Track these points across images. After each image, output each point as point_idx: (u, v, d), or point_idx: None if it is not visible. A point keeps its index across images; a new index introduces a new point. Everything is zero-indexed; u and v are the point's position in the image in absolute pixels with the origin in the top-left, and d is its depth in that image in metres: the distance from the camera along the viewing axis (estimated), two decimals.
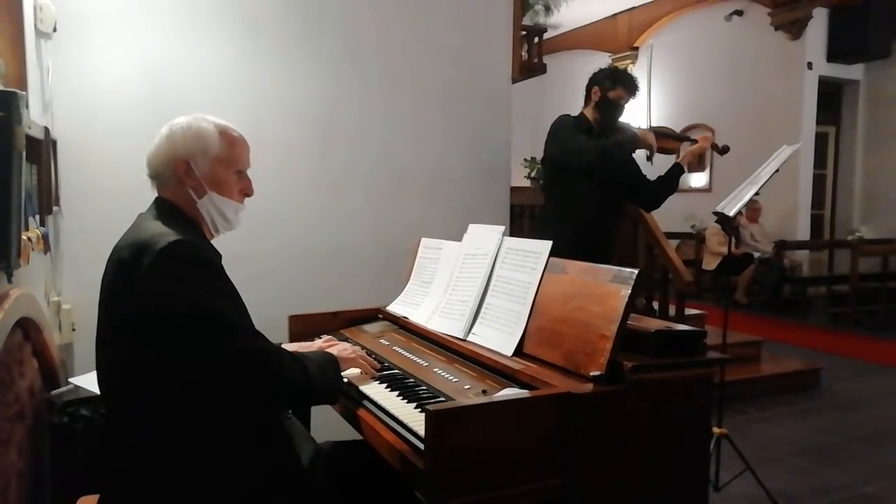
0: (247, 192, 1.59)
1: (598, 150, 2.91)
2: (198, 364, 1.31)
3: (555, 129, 3.07)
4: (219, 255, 1.47)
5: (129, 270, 1.31)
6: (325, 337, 1.99)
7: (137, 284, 1.30)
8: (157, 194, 1.53)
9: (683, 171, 3.12)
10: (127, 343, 1.35)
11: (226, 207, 1.53)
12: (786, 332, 6.65)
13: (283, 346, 1.87)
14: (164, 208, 1.49)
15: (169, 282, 1.30)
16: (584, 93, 3.13)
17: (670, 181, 3.14)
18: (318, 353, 1.59)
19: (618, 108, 3.05)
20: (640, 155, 3.13)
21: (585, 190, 2.99)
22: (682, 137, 3.17)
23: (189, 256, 1.34)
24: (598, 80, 3.07)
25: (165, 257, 1.30)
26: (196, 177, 1.48)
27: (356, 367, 1.69)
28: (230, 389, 1.33)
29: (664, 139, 3.12)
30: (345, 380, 1.65)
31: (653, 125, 3.21)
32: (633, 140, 3.00)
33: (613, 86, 3.01)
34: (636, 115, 3.14)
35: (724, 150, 3.16)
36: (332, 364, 1.56)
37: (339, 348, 1.70)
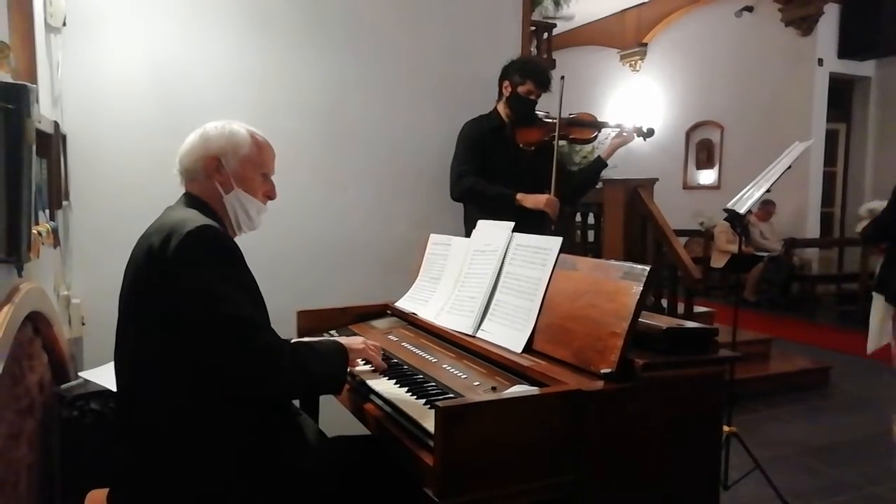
0: (270, 195, 1.67)
1: (461, 190, 2.86)
2: (203, 350, 1.33)
3: (457, 140, 2.98)
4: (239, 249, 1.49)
5: (157, 253, 1.35)
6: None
7: (163, 265, 1.34)
8: (184, 189, 1.60)
9: (606, 166, 3.05)
10: (147, 325, 1.38)
11: (250, 205, 1.61)
12: (795, 331, 6.62)
13: (292, 341, 1.88)
14: (193, 201, 1.56)
15: (192, 265, 1.34)
16: (497, 86, 3.01)
17: (593, 175, 3.10)
18: (328, 344, 1.60)
19: (528, 102, 2.92)
20: (621, 152, 3.05)
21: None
22: (600, 125, 3.03)
23: (214, 241, 1.39)
24: (507, 73, 2.94)
25: (192, 240, 1.35)
26: (225, 172, 1.57)
27: (365, 357, 1.69)
28: (230, 378, 1.35)
29: (580, 128, 3.00)
30: (357, 369, 1.67)
31: (571, 113, 3.06)
32: (509, 200, 2.81)
33: (523, 80, 2.87)
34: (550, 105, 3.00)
35: (649, 134, 3.03)
36: (340, 355, 1.57)
37: (348, 338, 1.71)
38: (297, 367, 1.41)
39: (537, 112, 2.98)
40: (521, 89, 2.88)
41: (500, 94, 2.99)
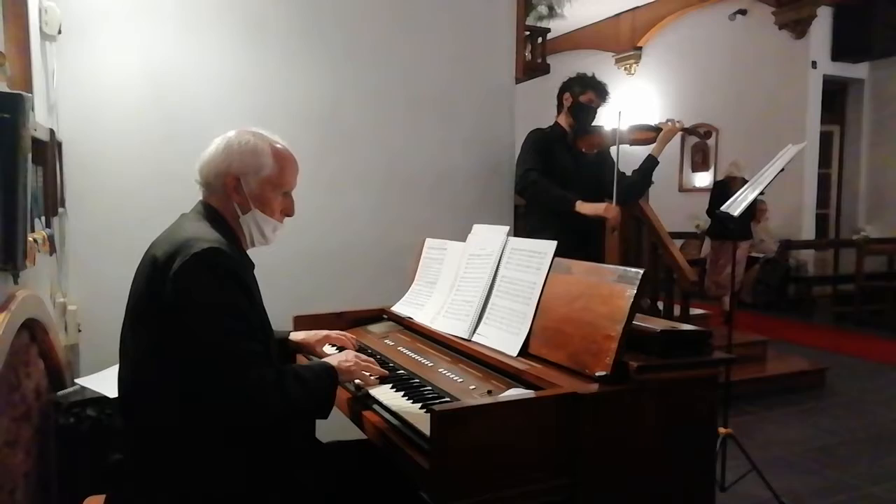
0: (288, 212, 1.63)
1: (525, 183, 3.01)
2: (190, 377, 1.32)
3: (523, 144, 3.16)
4: (252, 265, 1.51)
5: (161, 268, 1.34)
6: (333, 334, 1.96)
7: (164, 285, 1.33)
8: (202, 197, 1.56)
9: (657, 163, 3.19)
10: (147, 337, 1.37)
11: (266, 226, 1.57)
12: (791, 332, 6.63)
13: (290, 335, 1.90)
14: (208, 213, 1.52)
15: (191, 291, 1.32)
16: (556, 101, 3.21)
17: (646, 173, 3.21)
18: (317, 369, 1.53)
19: (590, 111, 3.13)
20: (627, 149, 3.14)
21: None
22: (657, 128, 3.19)
23: (219, 266, 1.35)
24: (568, 86, 3.17)
25: (197, 262, 1.32)
26: (244, 193, 1.52)
27: (355, 379, 1.63)
28: (212, 408, 1.33)
29: (641, 132, 3.16)
30: (357, 383, 1.64)
31: (631, 124, 3.21)
32: (568, 204, 2.98)
33: (584, 90, 3.10)
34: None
35: (706, 135, 3.24)
36: (328, 382, 1.50)
37: (339, 359, 1.63)
38: (281, 400, 1.37)
39: (596, 126, 3.17)
40: (582, 98, 3.10)
41: (560, 106, 3.19)
